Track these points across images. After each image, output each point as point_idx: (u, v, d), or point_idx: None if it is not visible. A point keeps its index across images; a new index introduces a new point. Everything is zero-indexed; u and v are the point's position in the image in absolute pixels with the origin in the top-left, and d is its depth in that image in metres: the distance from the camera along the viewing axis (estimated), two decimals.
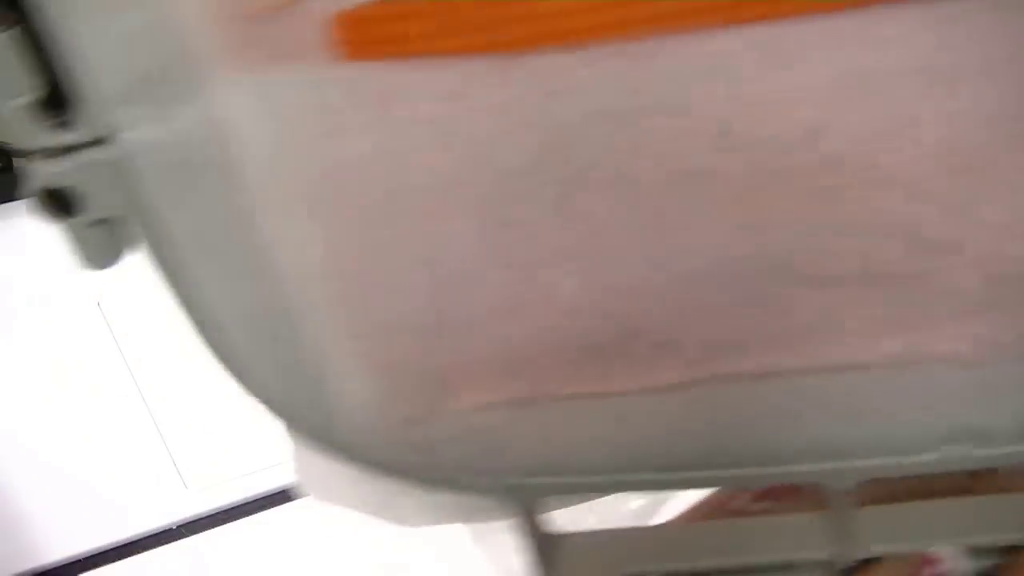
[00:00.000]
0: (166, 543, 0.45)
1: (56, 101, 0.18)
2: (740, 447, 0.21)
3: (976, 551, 0.22)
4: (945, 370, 0.19)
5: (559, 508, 0.23)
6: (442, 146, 0.18)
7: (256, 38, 0.18)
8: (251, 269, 0.20)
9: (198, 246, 0.19)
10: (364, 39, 0.18)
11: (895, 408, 0.20)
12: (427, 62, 0.18)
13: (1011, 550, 0.22)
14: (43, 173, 0.19)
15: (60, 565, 0.44)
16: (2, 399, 0.50)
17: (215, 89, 0.18)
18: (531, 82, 0.18)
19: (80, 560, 0.44)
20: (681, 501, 0.24)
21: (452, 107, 0.18)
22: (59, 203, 0.19)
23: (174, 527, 0.46)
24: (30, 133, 0.18)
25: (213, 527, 0.46)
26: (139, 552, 0.45)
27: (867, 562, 0.23)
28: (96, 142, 0.18)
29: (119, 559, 0.45)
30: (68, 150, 0.18)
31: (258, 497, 0.47)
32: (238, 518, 0.47)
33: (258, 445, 0.49)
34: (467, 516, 0.24)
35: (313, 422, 0.21)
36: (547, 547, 0.23)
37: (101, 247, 0.20)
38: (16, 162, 0.18)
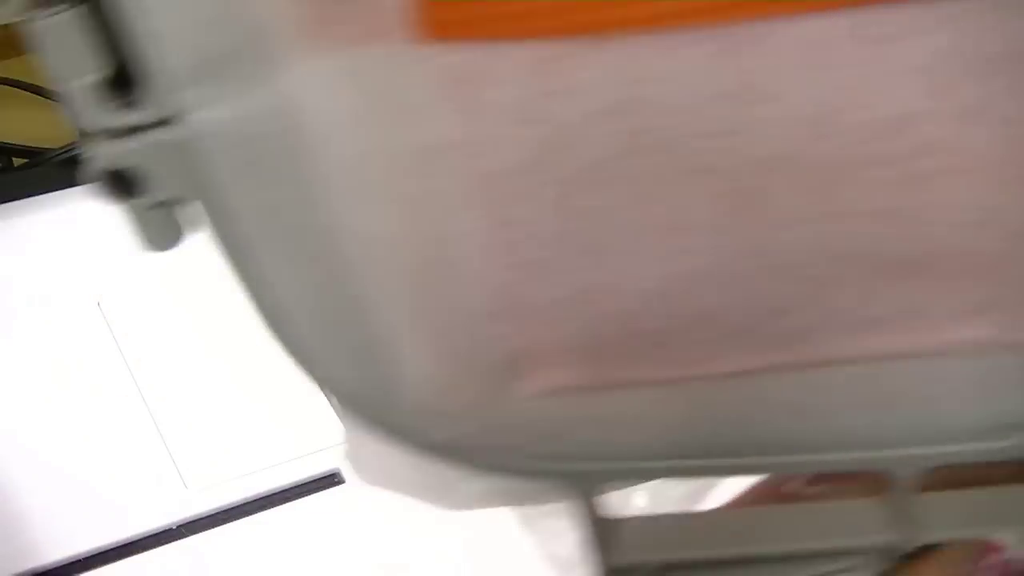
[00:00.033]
0: (166, 543, 0.45)
1: (122, 80, 0.18)
2: (812, 434, 0.21)
3: None
4: (1018, 357, 0.19)
5: (611, 491, 0.23)
6: (523, 131, 0.18)
7: (336, 17, 0.17)
8: (320, 252, 0.19)
9: (266, 229, 0.19)
10: (447, 19, 0.17)
11: (969, 395, 0.20)
12: (512, 44, 0.17)
13: None
14: (107, 154, 0.18)
15: (60, 565, 0.44)
16: (2, 399, 0.50)
17: (291, 69, 0.17)
18: (617, 67, 0.17)
19: (80, 560, 0.44)
20: (728, 486, 0.24)
21: (535, 91, 0.18)
22: (122, 185, 0.18)
23: (174, 527, 0.46)
24: (94, 113, 0.18)
25: (213, 527, 0.46)
26: (139, 552, 0.45)
27: (927, 548, 0.23)
28: (162, 123, 0.18)
29: (119, 559, 0.45)
30: (133, 131, 0.18)
31: (258, 497, 0.47)
32: (238, 518, 0.47)
33: (258, 445, 0.49)
34: (522, 500, 0.24)
35: (376, 407, 0.21)
36: (603, 531, 0.23)
37: (163, 229, 0.19)
38: (16, 162, 0.18)
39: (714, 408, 0.21)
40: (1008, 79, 0.17)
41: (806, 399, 0.21)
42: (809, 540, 0.23)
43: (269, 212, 0.19)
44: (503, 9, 0.17)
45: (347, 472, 0.49)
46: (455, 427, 0.21)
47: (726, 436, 0.21)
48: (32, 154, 0.66)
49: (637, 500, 0.23)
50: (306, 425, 0.50)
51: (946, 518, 0.22)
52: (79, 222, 0.60)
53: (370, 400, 0.21)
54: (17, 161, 0.66)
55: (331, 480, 0.49)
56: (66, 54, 0.17)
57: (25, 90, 0.72)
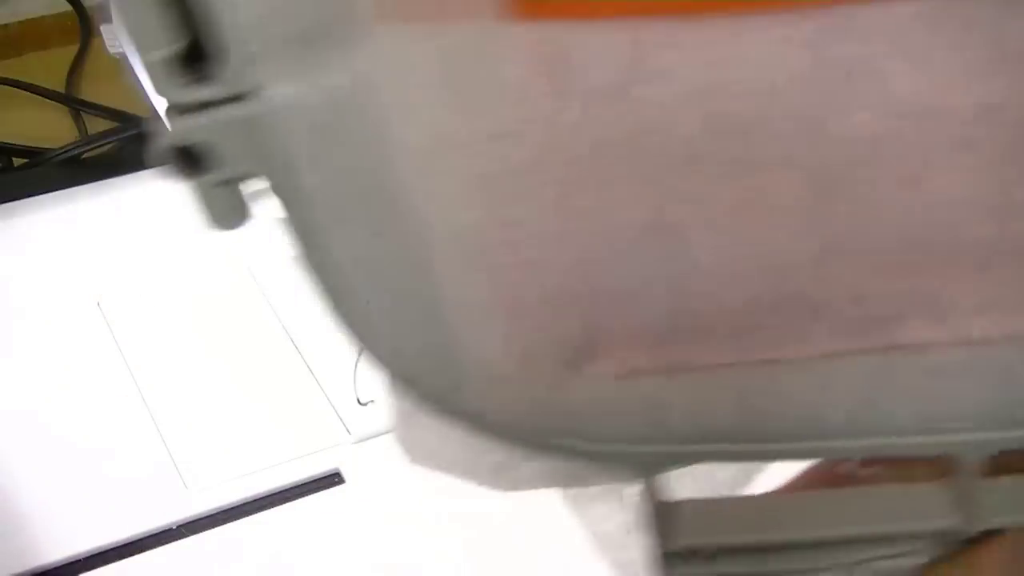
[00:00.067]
0: (166, 543, 0.45)
1: (195, 55, 0.17)
2: (880, 419, 0.21)
3: None
4: None
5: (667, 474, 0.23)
6: (612, 113, 0.18)
7: None
8: (391, 232, 0.19)
9: (335, 208, 0.19)
10: None
11: None
12: (604, 24, 0.17)
13: None
14: (177, 129, 0.18)
15: (60, 565, 0.44)
16: (2, 399, 0.50)
17: (373, 45, 0.17)
18: (707, 48, 0.17)
19: (80, 560, 0.44)
20: (775, 468, 0.24)
21: (627, 73, 0.17)
22: (190, 161, 0.18)
23: (174, 527, 0.46)
24: (166, 87, 0.17)
25: (213, 527, 0.46)
26: (139, 552, 0.45)
27: (988, 534, 0.23)
28: (235, 98, 0.18)
29: (119, 559, 0.45)
30: (205, 106, 0.18)
31: (258, 497, 0.47)
32: (238, 518, 0.47)
33: (258, 445, 0.49)
34: (576, 481, 0.24)
35: (442, 388, 0.21)
36: (660, 514, 0.23)
37: (229, 207, 0.19)
38: (16, 162, 0.18)
39: (784, 393, 0.21)
40: None
41: (877, 384, 0.21)
42: (868, 524, 0.23)
43: (340, 191, 0.19)
44: None
45: (347, 472, 0.49)
46: (519, 409, 0.21)
47: (793, 421, 0.21)
48: (32, 154, 0.66)
49: (683, 483, 0.23)
50: (306, 425, 0.50)
51: (1010, 504, 0.22)
52: (79, 222, 0.60)
53: (433, 380, 0.21)
54: (17, 161, 0.66)
55: (331, 480, 0.49)
56: (141, 26, 0.17)
57: (25, 90, 0.72)
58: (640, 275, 0.20)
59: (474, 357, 0.20)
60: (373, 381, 0.52)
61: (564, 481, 0.24)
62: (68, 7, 0.77)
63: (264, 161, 0.18)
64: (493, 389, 0.21)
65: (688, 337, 0.20)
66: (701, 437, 0.22)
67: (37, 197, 0.61)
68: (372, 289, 0.20)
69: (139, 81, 0.56)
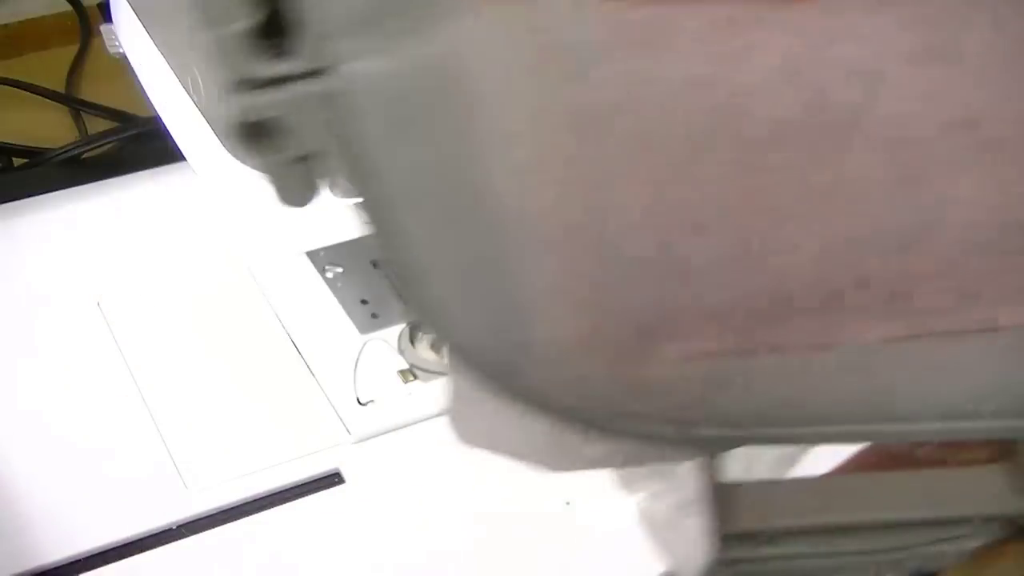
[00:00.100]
0: (166, 543, 0.45)
1: (274, 28, 0.17)
2: (952, 402, 0.21)
3: None
4: None
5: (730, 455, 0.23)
6: (701, 93, 0.17)
7: None
8: (466, 211, 0.19)
9: (411, 185, 0.18)
10: None
11: None
12: (697, 4, 0.17)
13: None
14: (251, 104, 0.17)
15: (60, 565, 0.44)
16: (2, 399, 0.50)
17: (456, 21, 0.17)
18: (801, 29, 0.17)
19: (80, 560, 0.44)
20: (821, 449, 0.24)
21: (717, 53, 0.17)
22: (263, 138, 0.18)
23: (174, 527, 0.46)
24: (243, 61, 0.17)
25: (213, 527, 0.46)
26: (139, 552, 0.45)
27: None
28: (312, 73, 0.17)
29: (119, 559, 0.45)
30: (281, 81, 0.17)
31: (258, 497, 0.47)
32: (238, 518, 0.46)
33: (258, 445, 0.49)
34: (633, 462, 0.23)
35: (508, 369, 0.21)
36: (722, 496, 0.23)
37: (300, 185, 0.19)
38: (16, 162, 0.18)
39: (855, 375, 0.21)
40: None
41: (946, 367, 0.21)
42: (925, 507, 0.23)
43: (417, 169, 0.18)
44: None
45: (347, 472, 0.49)
46: (589, 392, 0.21)
47: (864, 403, 0.21)
48: (32, 154, 0.66)
49: (731, 464, 0.23)
50: (306, 425, 0.50)
51: None
52: (79, 222, 0.60)
53: (502, 362, 0.21)
54: (17, 161, 0.66)
55: (331, 480, 0.49)
56: None
57: (25, 90, 0.72)
58: (721, 256, 0.19)
59: (543, 337, 0.20)
60: (373, 381, 0.52)
61: (620, 461, 0.24)
62: (68, 7, 0.77)
63: (338, 139, 0.18)
64: (559, 370, 0.21)
65: (764, 319, 0.20)
66: (767, 419, 0.21)
67: (37, 197, 0.61)
68: (442, 269, 0.20)
69: (139, 81, 0.56)
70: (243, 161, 0.18)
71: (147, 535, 0.45)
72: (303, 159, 0.18)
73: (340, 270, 0.57)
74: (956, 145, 0.18)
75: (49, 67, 0.74)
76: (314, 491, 0.48)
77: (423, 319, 0.20)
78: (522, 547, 0.46)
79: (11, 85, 0.71)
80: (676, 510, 0.24)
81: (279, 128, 0.18)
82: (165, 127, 0.53)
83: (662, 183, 0.19)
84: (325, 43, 0.17)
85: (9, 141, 0.67)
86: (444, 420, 0.51)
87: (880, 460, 0.24)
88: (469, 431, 0.24)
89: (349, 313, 0.55)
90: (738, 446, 0.22)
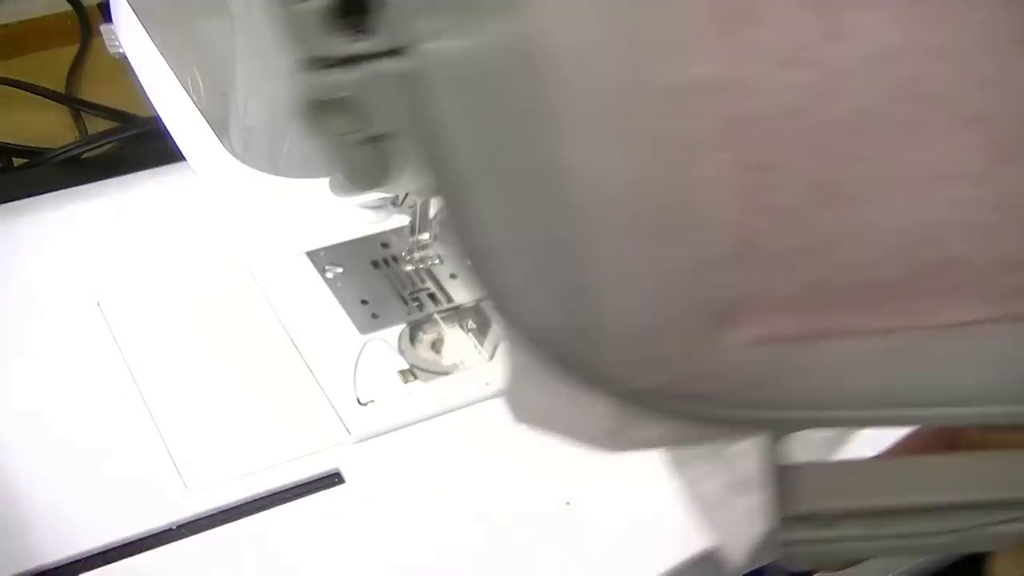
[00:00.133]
0: (166, 543, 0.45)
1: (352, 6, 0.17)
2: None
3: None
4: None
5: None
6: (791, 74, 0.17)
7: None
8: (542, 192, 0.18)
9: (485, 166, 0.18)
10: None
11: None
12: None
13: None
14: (326, 83, 0.17)
15: (60, 565, 0.44)
16: (2, 399, 0.50)
17: (540, 0, 0.16)
18: (895, 11, 0.17)
19: (80, 560, 0.44)
20: (867, 434, 0.24)
21: (810, 33, 0.17)
22: (336, 117, 0.18)
23: (174, 527, 0.46)
24: (320, 39, 0.17)
25: (213, 527, 0.46)
26: (139, 552, 0.45)
27: None
28: (391, 52, 0.17)
29: (119, 559, 0.45)
30: (357, 59, 0.17)
31: (258, 497, 0.47)
32: (238, 518, 0.46)
33: (258, 445, 0.49)
34: (694, 441, 0.23)
35: (575, 351, 0.20)
36: (784, 477, 0.22)
37: (372, 166, 0.18)
38: (16, 162, 0.17)
39: (928, 359, 0.21)
40: None
41: (1016, 352, 0.20)
42: (986, 489, 0.23)
43: (492, 149, 0.18)
44: None
45: (347, 472, 0.49)
46: (659, 374, 0.21)
47: (936, 387, 0.21)
48: (32, 154, 0.66)
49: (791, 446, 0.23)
50: (306, 425, 0.50)
51: None
52: (79, 222, 0.60)
53: (570, 344, 0.21)
54: (17, 161, 0.66)
55: (331, 480, 0.49)
56: None
57: (25, 90, 0.72)
58: (802, 242, 0.19)
59: (615, 319, 0.20)
60: (373, 381, 0.52)
61: (677, 442, 0.24)
62: (68, 7, 0.77)
63: (412, 119, 0.18)
64: (631, 352, 0.21)
65: (843, 303, 0.20)
66: (836, 404, 0.21)
67: (37, 197, 0.61)
68: (514, 249, 0.20)
69: (139, 81, 0.56)
70: (313, 139, 0.17)
71: (147, 535, 0.45)
72: (375, 140, 0.18)
73: (340, 270, 0.57)
74: None
75: (49, 67, 0.74)
76: (314, 491, 0.48)
77: (491, 301, 0.20)
78: (522, 547, 0.46)
79: (11, 85, 0.71)
80: (726, 490, 0.23)
81: (352, 108, 0.17)
82: (165, 127, 0.53)
83: (747, 166, 0.18)
84: (405, 21, 0.17)
85: (9, 141, 0.67)
86: (444, 420, 0.51)
87: (936, 442, 0.24)
88: (525, 410, 0.24)
89: (349, 313, 0.55)
90: (805, 429, 0.22)
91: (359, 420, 0.50)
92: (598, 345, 0.20)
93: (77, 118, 0.71)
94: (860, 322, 0.20)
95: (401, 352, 0.53)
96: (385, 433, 0.50)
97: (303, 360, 0.53)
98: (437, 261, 0.57)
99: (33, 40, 0.77)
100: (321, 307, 0.55)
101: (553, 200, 0.19)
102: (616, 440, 0.23)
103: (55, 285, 0.56)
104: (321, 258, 0.58)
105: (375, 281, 0.57)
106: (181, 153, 0.53)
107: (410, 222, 0.54)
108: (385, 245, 0.59)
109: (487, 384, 0.52)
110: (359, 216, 0.51)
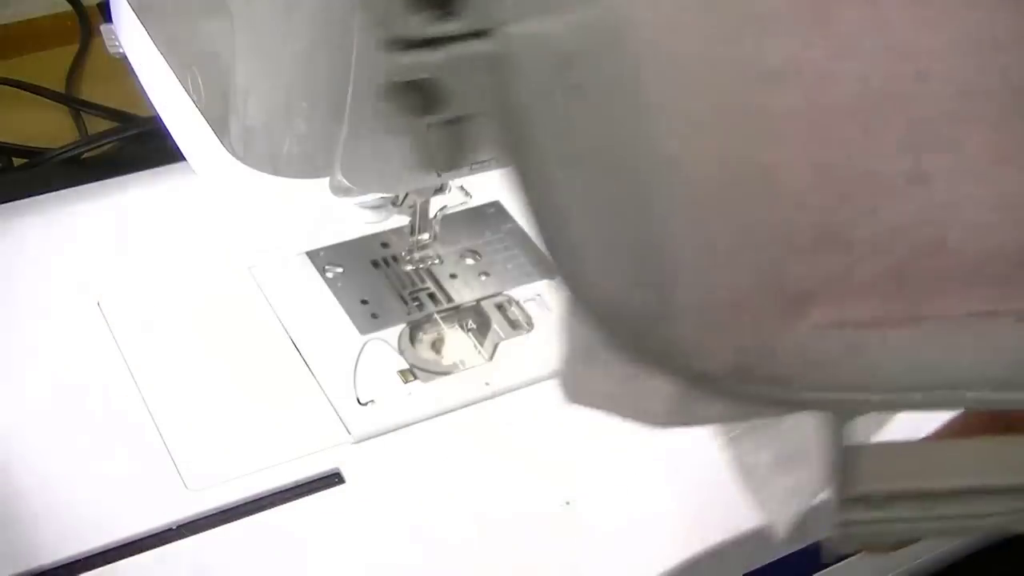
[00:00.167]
0: (166, 543, 0.45)
1: None
2: None
3: None
4: None
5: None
6: (880, 59, 0.17)
7: None
8: (622, 172, 0.18)
9: (565, 150, 0.18)
10: None
11: None
12: None
13: None
14: (410, 64, 0.17)
15: (60, 565, 0.44)
16: (2, 399, 0.50)
17: None
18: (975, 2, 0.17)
19: (80, 560, 0.44)
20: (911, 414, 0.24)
21: (902, 17, 0.17)
22: (417, 98, 0.17)
23: (174, 527, 0.46)
24: (403, 19, 0.17)
25: (213, 527, 0.46)
26: (139, 552, 0.45)
27: None
28: (477, 34, 0.17)
29: (119, 559, 0.45)
30: (441, 41, 0.17)
31: (258, 497, 0.47)
32: (238, 518, 0.46)
33: (258, 445, 0.49)
34: (751, 417, 0.23)
35: (646, 331, 0.20)
36: (846, 457, 0.22)
37: (449, 148, 0.18)
38: (16, 162, 0.17)
39: (1005, 344, 0.20)
40: None
41: None
42: None
43: (572, 129, 0.18)
44: None
45: (347, 472, 0.49)
46: (730, 356, 0.21)
47: (1007, 371, 0.21)
48: (32, 154, 0.66)
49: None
50: (306, 425, 0.50)
51: None
52: (79, 222, 0.60)
53: (641, 324, 0.20)
54: (17, 161, 0.66)
55: (331, 480, 0.49)
56: None
57: (25, 90, 0.72)
58: (880, 228, 0.19)
59: (690, 302, 0.20)
60: (373, 381, 0.52)
61: (737, 418, 0.24)
62: (68, 7, 0.77)
63: (495, 100, 0.18)
64: (703, 331, 0.21)
65: (922, 288, 0.20)
66: (905, 386, 0.21)
67: (37, 197, 0.61)
68: (589, 229, 0.19)
69: (139, 81, 0.56)
70: (390, 120, 0.17)
71: (147, 535, 0.45)
72: (454, 122, 0.18)
73: (340, 270, 0.57)
74: None
75: (49, 67, 0.74)
76: (314, 491, 0.48)
77: (565, 281, 0.20)
78: (522, 547, 0.46)
79: (11, 85, 0.71)
80: (774, 465, 0.23)
81: (434, 89, 0.17)
82: (165, 127, 0.53)
83: (834, 148, 0.18)
84: (491, 3, 0.17)
85: (9, 141, 0.67)
86: (444, 420, 0.51)
87: (983, 426, 0.24)
88: (583, 392, 0.24)
89: (349, 313, 0.55)
90: (870, 411, 0.22)
91: (359, 420, 0.50)
92: (670, 325, 0.20)
93: (77, 118, 0.71)
94: (938, 307, 0.20)
95: (401, 352, 0.53)
96: (385, 433, 0.50)
97: (303, 360, 0.53)
98: (437, 261, 0.57)
99: (33, 40, 0.77)
100: (321, 307, 0.55)
101: (632, 180, 0.19)
102: (679, 417, 0.23)
103: (55, 285, 0.56)
104: (321, 258, 0.58)
105: (375, 281, 0.57)
106: (181, 153, 0.53)
107: (410, 222, 0.54)
108: (385, 245, 0.59)
109: (487, 384, 0.52)
110: (359, 216, 0.51)
